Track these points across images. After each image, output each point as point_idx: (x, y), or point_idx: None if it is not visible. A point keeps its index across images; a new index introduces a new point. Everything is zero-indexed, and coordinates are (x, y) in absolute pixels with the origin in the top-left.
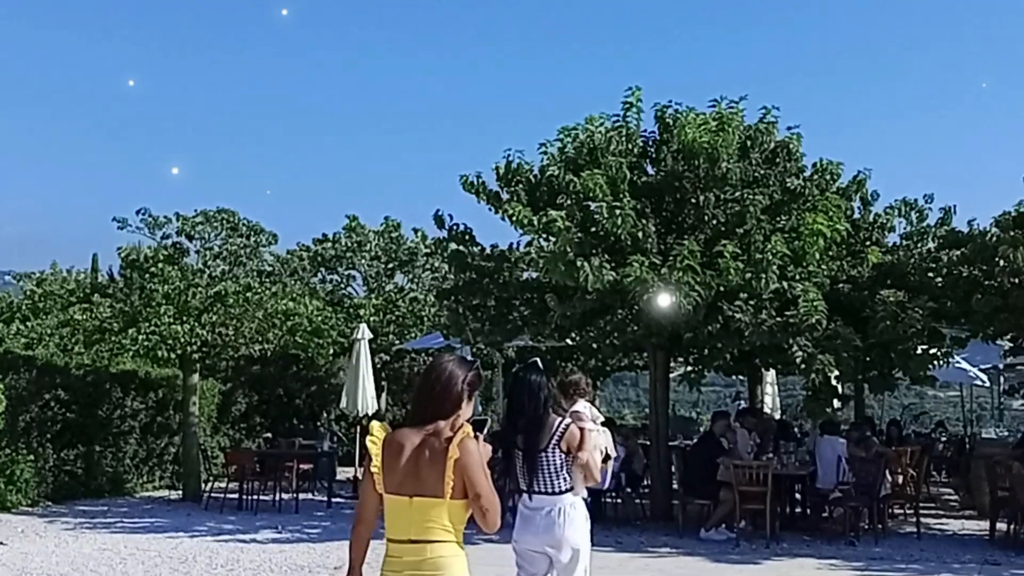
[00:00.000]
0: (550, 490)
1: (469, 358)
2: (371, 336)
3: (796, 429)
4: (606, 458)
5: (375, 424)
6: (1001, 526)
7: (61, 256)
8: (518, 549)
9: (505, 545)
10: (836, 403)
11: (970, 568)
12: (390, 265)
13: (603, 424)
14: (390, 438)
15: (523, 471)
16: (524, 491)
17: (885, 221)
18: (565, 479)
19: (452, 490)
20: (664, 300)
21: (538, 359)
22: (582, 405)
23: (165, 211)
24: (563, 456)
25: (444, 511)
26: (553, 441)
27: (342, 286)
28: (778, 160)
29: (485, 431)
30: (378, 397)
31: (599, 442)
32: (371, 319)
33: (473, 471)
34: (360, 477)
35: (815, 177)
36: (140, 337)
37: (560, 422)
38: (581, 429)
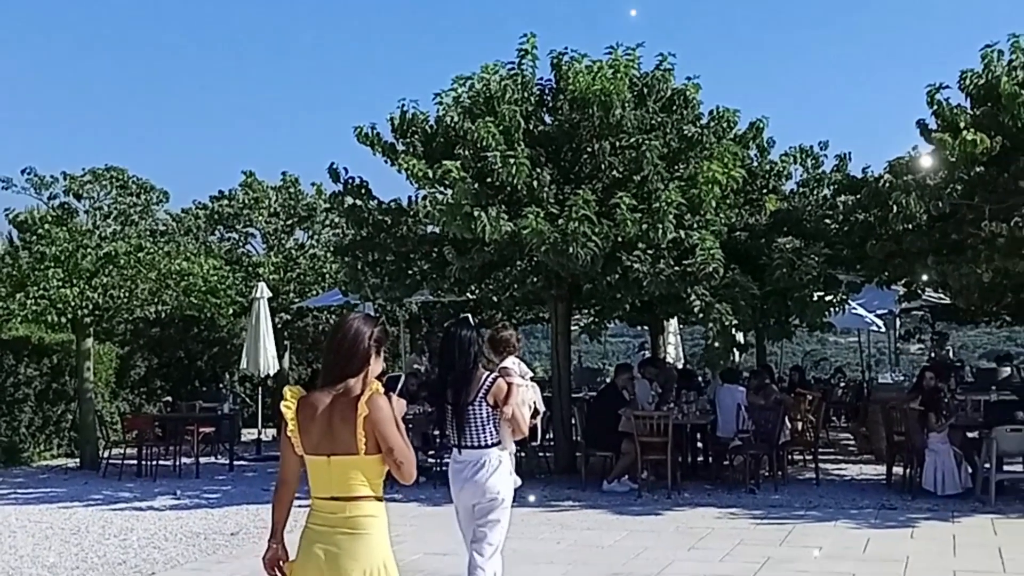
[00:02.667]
0: (477, 443)
1: (374, 314)
2: (270, 295)
3: (700, 378)
4: (535, 413)
5: (288, 388)
6: (897, 470)
7: None
8: (455, 505)
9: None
10: (736, 352)
11: (867, 513)
12: (289, 222)
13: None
14: (303, 400)
15: (452, 425)
16: (454, 445)
17: (781, 168)
18: (492, 433)
19: (366, 446)
20: None
21: (469, 315)
22: (511, 361)
23: (52, 170)
24: (489, 409)
25: (361, 467)
26: (480, 395)
27: (240, 244)
28: (675, 108)
29: (399, 387)
30: (281, 357)
31: (527, 397)
32: (271, 277)
33: (384, 426)
34: (264, 438)
35: (712, 124)
36: (28, 302)
37: (487, 376)
38: (509, 384)
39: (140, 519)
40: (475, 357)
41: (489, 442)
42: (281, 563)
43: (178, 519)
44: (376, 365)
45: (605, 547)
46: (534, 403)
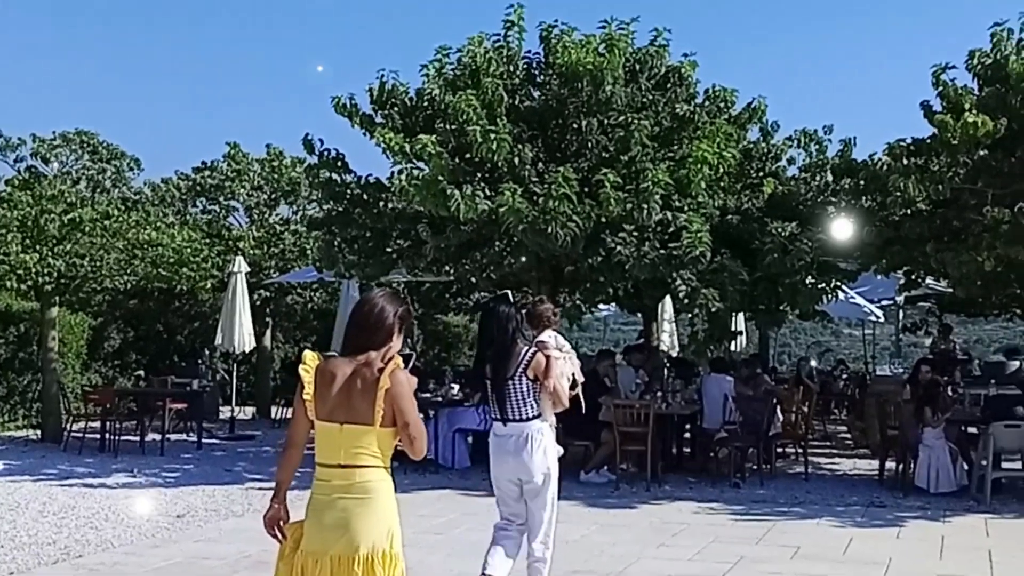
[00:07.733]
0: (518, 417)
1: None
2: (248, 269)
3: (700, 367)
4: (574, 384)
5: (308, 353)
6: (891, 466)
7: None
8: (494, 478)
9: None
10: (734, 341)
11: (854, 511)
12: (273, 196)
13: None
14: (322, 366)
15: (493, 400)
16: (496, 419)
17: (780, 152)
18: (532, 406)
19: (382, 418)
20: None
21: (508, 291)
22: (548, 335)
23: (19, 132)
24: (529, 383)
25: (373, 438)
26: (520, 369)
27: (221, 216)
28: (669, 86)
29: (410, 365)
30: (262, 335)
31: (565, 369)
32: (252, 252)
33: (403, 401)
34: (242, 416)
35: (707, 104)
36: None
37: (527, 350)
38: (547, 357)
39: (86, 497)
40: (514, 333)
41: (531, 415)
42: (281, 523)
43: (126, 498)
44: (398, 342)
45: (570, 542)
46: (572, 375)
